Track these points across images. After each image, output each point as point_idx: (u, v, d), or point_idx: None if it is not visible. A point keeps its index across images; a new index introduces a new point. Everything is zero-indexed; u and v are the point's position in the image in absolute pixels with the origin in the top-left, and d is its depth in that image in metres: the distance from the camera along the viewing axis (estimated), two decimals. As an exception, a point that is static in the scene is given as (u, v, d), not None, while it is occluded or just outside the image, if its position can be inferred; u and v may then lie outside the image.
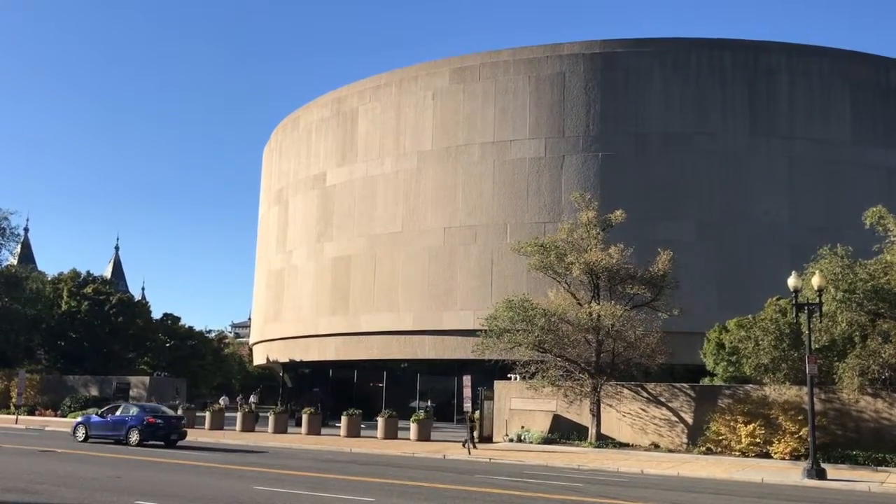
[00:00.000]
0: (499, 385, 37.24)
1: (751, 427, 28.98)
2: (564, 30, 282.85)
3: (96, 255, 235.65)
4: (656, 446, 31.86)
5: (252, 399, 58.70)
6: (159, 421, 30.72)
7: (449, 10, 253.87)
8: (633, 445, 32.04)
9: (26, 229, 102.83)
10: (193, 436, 36.69)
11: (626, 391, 33.56)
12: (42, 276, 69.03)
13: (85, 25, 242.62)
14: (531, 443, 33.29)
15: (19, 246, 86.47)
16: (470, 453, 29.65)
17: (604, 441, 32.09)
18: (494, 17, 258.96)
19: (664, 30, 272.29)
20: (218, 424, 42.14)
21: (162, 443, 30.62)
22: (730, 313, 34.88)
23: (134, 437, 30.19)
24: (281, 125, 64.60)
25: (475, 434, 32.83)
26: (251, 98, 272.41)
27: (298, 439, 35.94)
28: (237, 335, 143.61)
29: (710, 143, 46.16)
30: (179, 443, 31.28)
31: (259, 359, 66.30)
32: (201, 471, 21.32)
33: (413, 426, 36.67)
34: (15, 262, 76.40)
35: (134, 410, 31.59)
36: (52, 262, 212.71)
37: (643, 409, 33.10)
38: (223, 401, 55.92)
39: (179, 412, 42.78)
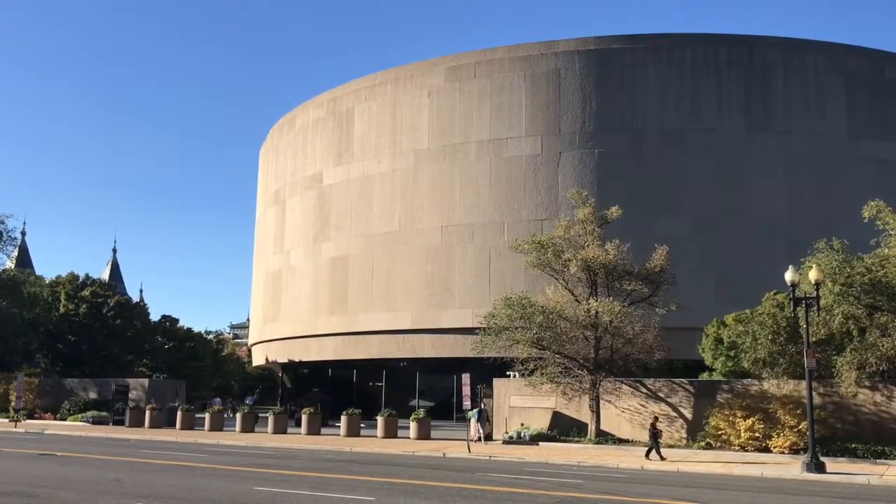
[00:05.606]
0: (498, 383, 37.26)
1: (750, 421, 29.04)
2: (559, 27, 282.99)
3: (94, 258, 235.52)
4: (656, 442, 31.84)
5: (247, 401, 58.38)
6: None
7: (444, 9, 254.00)
8: (632, 441, 32.04)
9: (23, 232, 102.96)
10: (193, 437, 36.71)
11: (625, 387, 33.59)
12: (40, 280, 68.94)
13: (82, 26, 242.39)
14: (531, 440, 33.31)
15: (16, 249, 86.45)
16: (470, 451, 29.67)
17: (603, 437, 32.13)
18: (489, 15, 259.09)
19: (658, 25, 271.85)
20: (218, 426, 42.17)
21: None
22: (728, 308, 34.98)
23: None
24: (277, 125, 64.52)
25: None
26: (247, 98, 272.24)
27: (298, 439, 35.93)
28: (236, 336, 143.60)
29: (706, 138, 46.19)
30: (179, 445, 31.08)
31: (258, 359, 66.31)
32: (202, 472, 21.31)
33: (413, 425, 36.69)
34: (12, 266, 76.29)
35: None
36: (49, 265, 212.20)
37: (642, 405, 33.13)
38: (216, 402, 55.58)
39: (179, 413, 42.88)
